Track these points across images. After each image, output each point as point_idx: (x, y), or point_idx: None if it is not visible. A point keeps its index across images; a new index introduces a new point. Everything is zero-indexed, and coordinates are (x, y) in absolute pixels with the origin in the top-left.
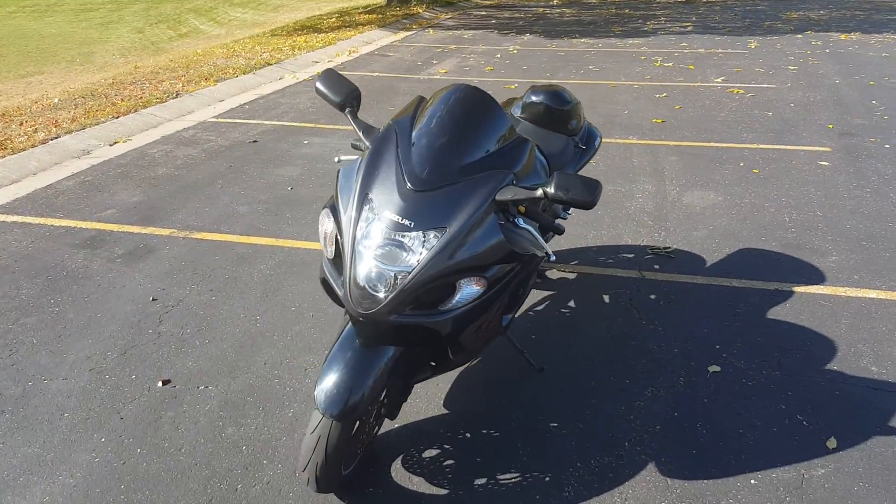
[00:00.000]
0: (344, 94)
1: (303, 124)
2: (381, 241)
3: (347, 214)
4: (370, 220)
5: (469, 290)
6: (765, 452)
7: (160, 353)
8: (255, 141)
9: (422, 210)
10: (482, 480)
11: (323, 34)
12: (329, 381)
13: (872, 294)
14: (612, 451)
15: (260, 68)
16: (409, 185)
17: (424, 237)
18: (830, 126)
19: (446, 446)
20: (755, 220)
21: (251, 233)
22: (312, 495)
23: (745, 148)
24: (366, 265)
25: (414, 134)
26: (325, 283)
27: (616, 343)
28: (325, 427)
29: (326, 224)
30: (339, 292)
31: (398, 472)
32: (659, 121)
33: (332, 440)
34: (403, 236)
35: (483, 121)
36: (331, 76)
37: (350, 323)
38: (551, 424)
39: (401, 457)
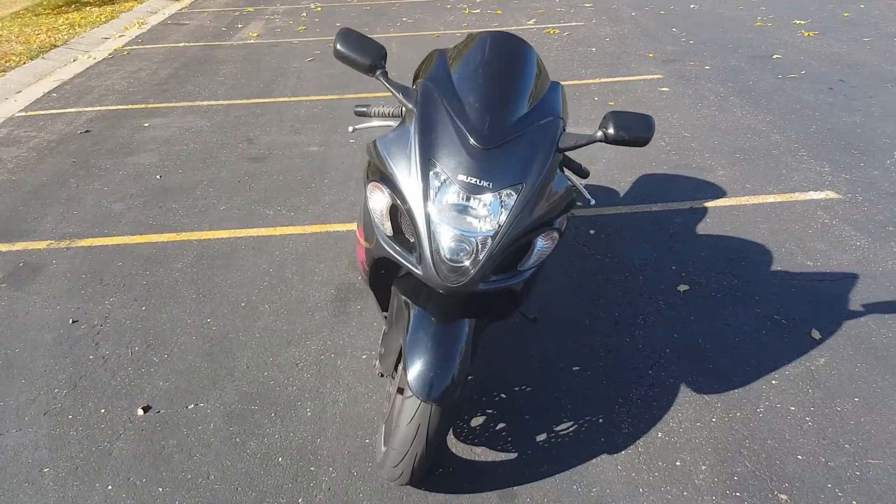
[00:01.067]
0: (372, 54)
1: (131, 106)
2: (459, 208)
3: (412, 185)
4: (442, 186)
5: (542, 244)
6: (768, 354)
7: (118, 378)
8: (87, 131)
9: (494, 168)
10: (542, 436)
11: (98, 8)
12: (421, 366)
13: (770, 199)
14: (642, 382)
15: (46, 51)
16: (475, 143)
17: (502, 196)
18: (651, 55)
19: (490, 411)
20: (637, 148)
21: (144, 230)
22: (388, 490)
23: (591, 83)
24: (447, 235)
25: (459, 90)
26: (375, 267)
27: (585, 281)
28: (424, 414)
29: (379, 200)
30: (418, 271)
31: (457, 446)
32: None
33: (432, 426)
34: (481, 198)
35: (524, 68)
36: (350, 36)
37: (410, 303)
38: (574, 368)
39: (451, 431)
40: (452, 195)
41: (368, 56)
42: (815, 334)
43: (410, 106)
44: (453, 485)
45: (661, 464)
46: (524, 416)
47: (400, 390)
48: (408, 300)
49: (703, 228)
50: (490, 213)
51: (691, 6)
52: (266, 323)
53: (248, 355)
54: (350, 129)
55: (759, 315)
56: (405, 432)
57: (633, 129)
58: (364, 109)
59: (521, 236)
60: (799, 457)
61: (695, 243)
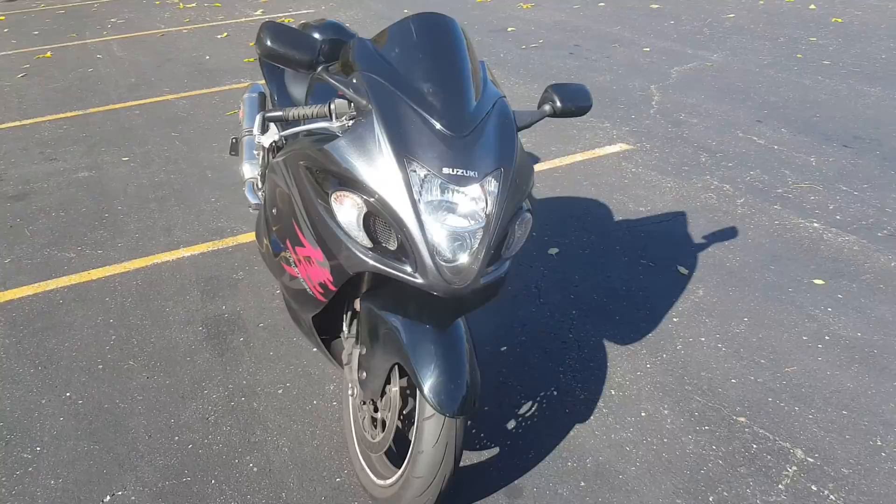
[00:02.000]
0: (309, 47)
1: None
2: (446, 203)
3: (391, 187)
4: (424, 182)
5: (521, 228)
6: (655, 296)
7: None
8: None
9: (473, 156)
10: (512, 424)
11: None
12: (436, 380)
13: (578, 157)
14: (569, 346)
15: None
16: (448, 132)
17: (485, 185)
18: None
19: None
20: None
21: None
22: None
23: None
24: (441, 235)
25: (408, 79)
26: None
27: None
28: (450, 431)
29: (350, 210)
30: (418, 279)
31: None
32: (252, 59)
33: (459, 442)
34: (467, 190)
35: (462, 48)
36: (280, 30)
37: (391, 316)
38: (502, 349)
39: None
40: (438, 190)
41: (306, 50)
42: (682, 270)
43: (364, 102)
44: (457, 497)
45: (630, 418)
46: (483, 408)
47: (402, 416)
48: (385, 314)
49: (538, 193)
50: (478, 205)
51: None
52: (142, 382)
53: (143, 423)
54: (232, 139)
55: (629, 262)
56: (432, 456)
57: (577, 100)
58: (278, 115)
59: (510, 221)
60: (733, 380)
61: (541, 208)
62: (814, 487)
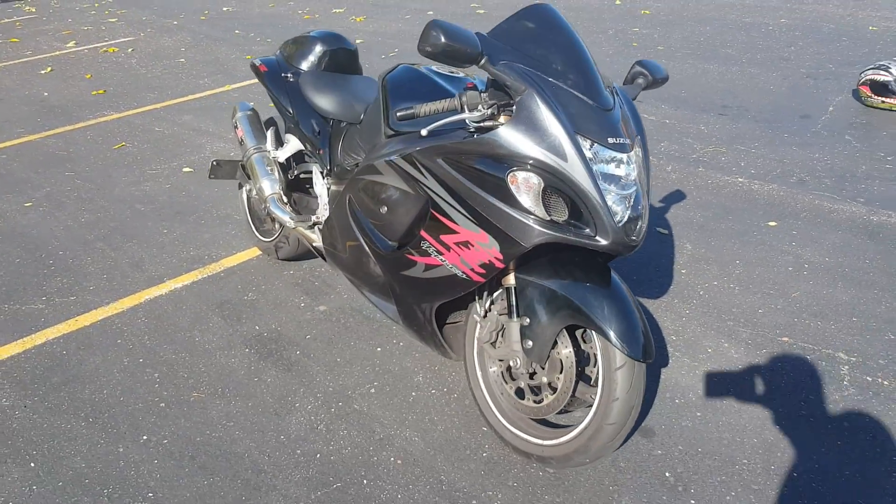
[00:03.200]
0: (473, 41)
1: None
2: (613, 169)
3: (567, 159)
4: (594, 153)
5: None
6: (678, 254)
7: None
8: None
9: (621, 127)
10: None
11: None
12: (621, 332)
13: None
14: None
15: None
16: (599, 107)
17: (636, 150)
18: (248, 57)
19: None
20: None
21: None
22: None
23: (216, 92)
24: (615, 198)
25: (548, 63)
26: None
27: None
28: (639, 376)
29: (529, 186)
30: (601, 240)
31: (460, 462)
32: (102, 91)
33: (643, 382)
34: (626, 157)
35: (577, 33)
36: (448, 27)
37: (546, 281)
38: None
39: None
40: (606, 158)
41: (473, 44)
42: (662, 231)
43: (523, 87)
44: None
45: (701, 356)
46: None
47: (581, 376)
48: (546, 282)
49: None
50: (632, 168)
51: (224, 9)
52: (222, 409)
53: (251, 445)
54: (423, 132)
55: None
56: (626, 402)
57: (659, 73)
58: (409, 112)
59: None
60: (759, 311)
61: None
62: (868, 378)
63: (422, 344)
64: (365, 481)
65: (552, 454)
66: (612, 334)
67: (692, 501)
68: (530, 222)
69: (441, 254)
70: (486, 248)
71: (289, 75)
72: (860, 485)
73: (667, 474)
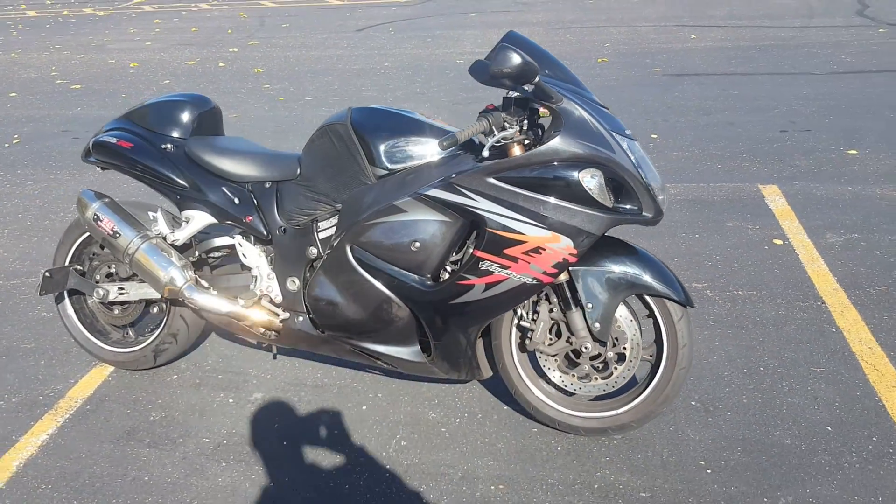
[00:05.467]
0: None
1: None
2: (638, 153)
3: (616, 153)
4: (625, 143)
5: None
6: None
7: None
8: None
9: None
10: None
11: None
12: (673, 287)
13: None
14: None
15: None
16: (603, 106)
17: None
18: None
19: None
20: None
21: None
22: None
23: None
24: (652, 175)
25: (552, 76)
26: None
27: None
28: (689, 319)
29: (594, 181)
30: (649, 216)
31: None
32: None
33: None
34: (637, 143)
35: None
36: (517, 40)
37: (585, 264)
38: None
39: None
40: (631, 147)
41: (533, 64)
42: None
43: (561, 98)
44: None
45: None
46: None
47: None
48: (598, 265)
49: None
50: (644, 153)
51: None
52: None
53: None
54: (485, 152)
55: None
56: (690, 346)
57: None
58: (452, 140)
59: None
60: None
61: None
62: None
63: (445, 375)
64: None
65: (630, 419)
66: (670, 292)
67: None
68: (598, 212)
69: (507, 268)
70: (559, 247)
71: (167, 146)
72: None
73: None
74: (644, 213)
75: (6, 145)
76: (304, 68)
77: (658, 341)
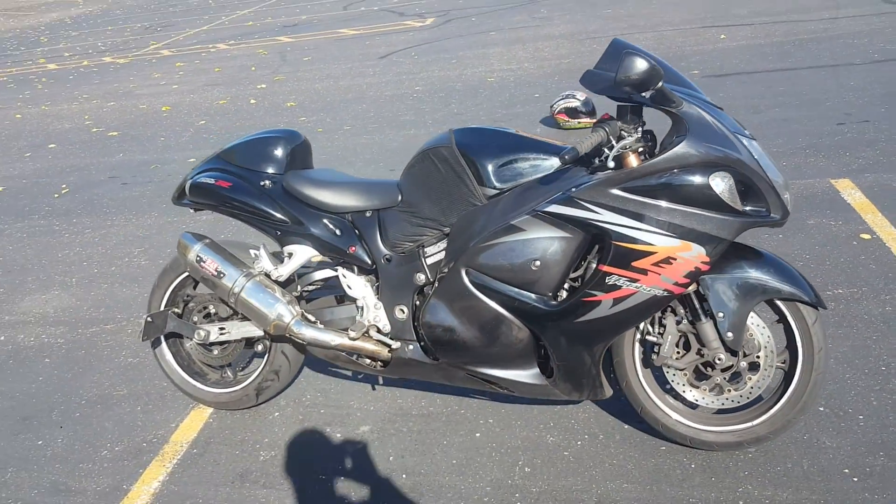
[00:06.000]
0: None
1: None
2: (759, 153)
3: (741, 155)
4: (746, 142)
5: None
6: None
7: None
8: None
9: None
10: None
11: None
12: (805, 290)
13: None
14: None
15: None
16: (718, 107)
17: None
18: None
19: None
20: None
21: None
22: None
23: None
24: (774, 174)
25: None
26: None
27: None
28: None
29: (725, 184)
30: (778, 217)
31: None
32: None
33: None
34: (756, 142)
35: None
36: (630, 45)
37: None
38: None
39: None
40: (753, 147)
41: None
42: None
43: (682, 102)
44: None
45: None
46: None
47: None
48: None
49: None
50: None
51: None
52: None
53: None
54: (610, 163)
55: None
56: (825, 349)
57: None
58: (573, 155)
59: None
60: None
61: None
62: None
63: (566, 397)
64: None
65: (766, 430)
66: (802, 295)
67: None
68: (730, 216)
69: (635, 281)
70: (691, 256)
71: (265, 182)
72: None
73: None
74: (772, 215)
75: (55, 196)
76: (335, 98)
77: (791, 347)
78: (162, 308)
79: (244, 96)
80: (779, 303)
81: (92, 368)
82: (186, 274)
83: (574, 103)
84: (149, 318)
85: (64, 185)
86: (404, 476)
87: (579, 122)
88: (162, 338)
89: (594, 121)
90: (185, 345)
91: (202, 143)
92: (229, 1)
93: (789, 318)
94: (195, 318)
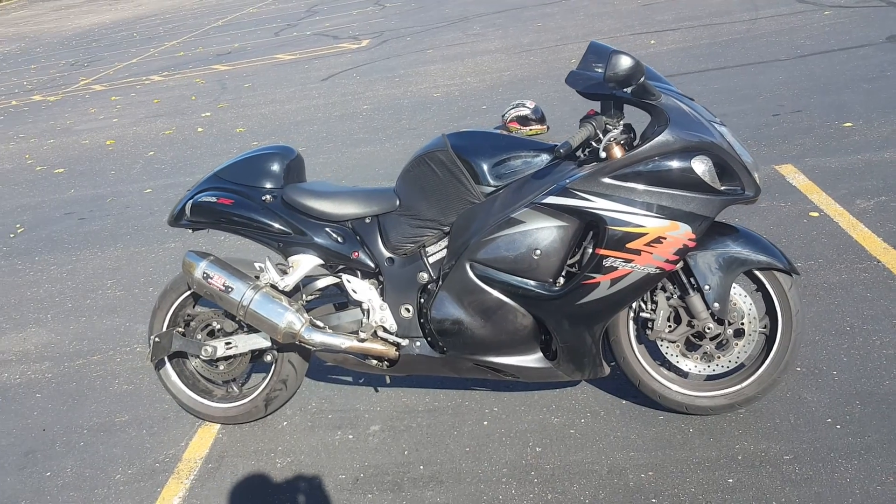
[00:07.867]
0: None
1: None
2: (731, 136)
3: (716, 139)
4: (719, 127)
5: None
6: None
7: None
8: None
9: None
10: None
11: None
12: (781, 258)
13: None
14: None
15: None
16: (690, 97)
17: None
18: None
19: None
20: None
21: None
22: None
23: None
24: (745, 155)
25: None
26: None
27: None
28: None
29: (705, 166)
30: (751, 194)
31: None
32: None
33: None
34: (726, 128)
35: None
36: (606, 46)
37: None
38: None
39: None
40: (724, 131)
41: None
42: None
43: (660, 95)
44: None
45: None
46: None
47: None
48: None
49: None
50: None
51: None
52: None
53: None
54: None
55: None
56: (802, 311)
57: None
58: (567, 146)
59: None
60: None
61: None
62: None
63: (569, 378)
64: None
65: (754, 390)
66: (778, 263)
67: None
68: (711, 196)
69: (630, 261)
70: (679, 234)
71: (266, 197)
72: None
73: None
74: (747, 192)
75: (11, 235)
76: (285, 121)
77: (771, 312)
78: (164, 329)
79: (190, 125)
80: (757, 272)
81: (87, 399)
82: (187, 293)
83: (524, 111)
84: (156, 339)
85: (18, 225)
86: (422, 467)
87: (531, 130)
88: (165, 359)
89: (544, 127)
90: (190, 363)
91: (156, 173)
92: (155, 33)
93: (767, 286)
94: (199, 336)
